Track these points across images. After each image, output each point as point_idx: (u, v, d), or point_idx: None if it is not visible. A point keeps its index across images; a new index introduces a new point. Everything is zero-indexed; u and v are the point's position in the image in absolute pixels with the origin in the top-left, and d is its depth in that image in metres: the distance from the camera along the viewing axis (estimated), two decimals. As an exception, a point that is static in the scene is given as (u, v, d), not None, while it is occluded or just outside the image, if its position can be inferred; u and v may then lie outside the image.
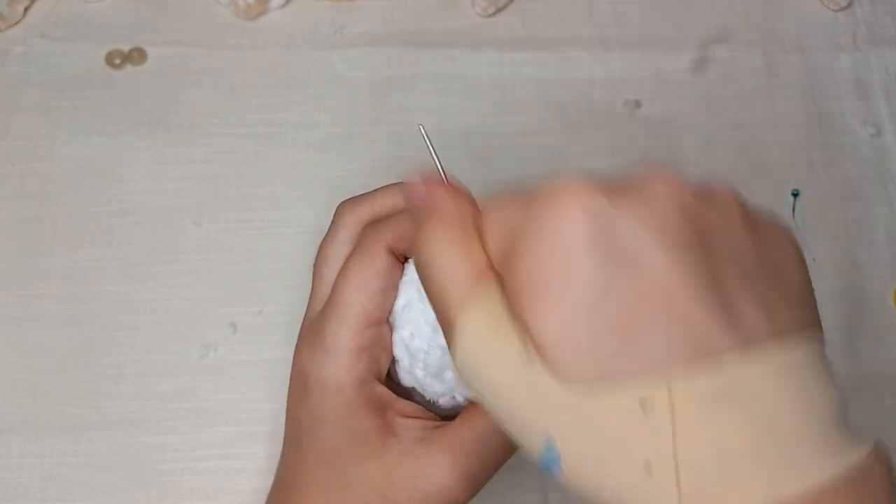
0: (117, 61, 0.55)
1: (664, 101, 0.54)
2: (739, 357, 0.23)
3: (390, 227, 0.33)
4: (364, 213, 0.35)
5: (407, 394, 0.35)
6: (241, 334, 0.48)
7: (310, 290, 0.36)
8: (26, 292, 0.49)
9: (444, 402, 0.35)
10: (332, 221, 0.36)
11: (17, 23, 0.56)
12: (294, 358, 0.35)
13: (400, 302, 0.34)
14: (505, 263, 0.26)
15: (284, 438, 0.36)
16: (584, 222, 0.24)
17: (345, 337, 0.32)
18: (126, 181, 0.51)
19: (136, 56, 0.55)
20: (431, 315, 0.32)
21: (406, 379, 0.35)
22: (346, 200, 0.36)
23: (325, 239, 0.36)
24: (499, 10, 0.56)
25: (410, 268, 0.34)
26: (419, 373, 0.34)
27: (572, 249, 0.24)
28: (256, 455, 0.44)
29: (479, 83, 0.55)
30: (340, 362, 0.32)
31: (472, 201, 0.29)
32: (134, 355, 0.47)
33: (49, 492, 0.44)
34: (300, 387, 0.34)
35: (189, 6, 0.56)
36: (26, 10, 0.56)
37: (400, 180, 0.35)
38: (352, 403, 0.32)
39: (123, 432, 0.46)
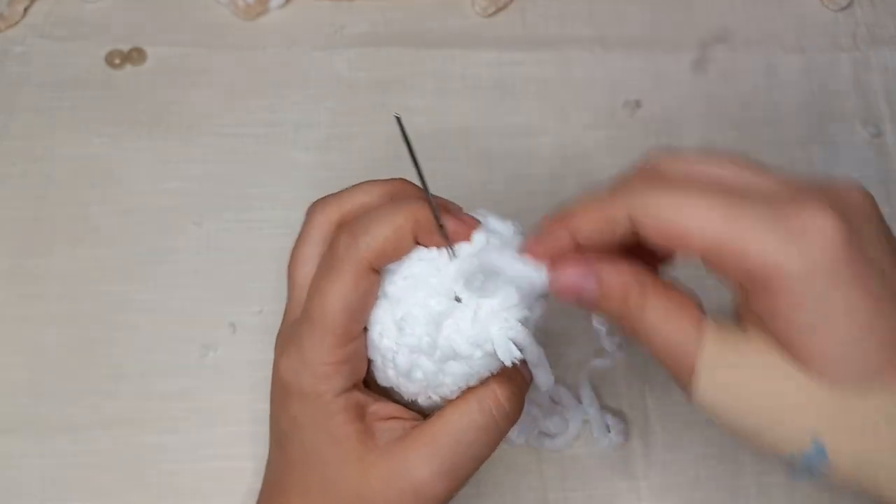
0: (117, 61, 0.55)
1: (664, 101, 0.54)
2: None
3: (369, 244, 0.32)
4: (334, 212, 0.35)
5: (387, 393, 0.35)
6: (241, 334, 0.48)
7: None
8: (26, 292, 0.49)
9: (422, 401, 0.34)
10: (304, 222, 0.36)
11: (16, 23, 0.56)
12: (274, 363, 0.35)
13: None
14: (754, 282, 0.28)
15: (269, 438, 0.36)
16: (844, 240, 0.27)
17: (324, 354, 0.32)
18: (126, 181, 0.51)
19: (135, 56, 0.55)
20: (399, 312, 0.32)
21: (381, 378, 0.35)
22: (317, 200, 0.36)
23: (297, 241, 0.36)
24: (499, 10, 0.57)
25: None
26: (391, 373, 0.34)
27: (836, 271, 0.27)
28: (256, 455, 0.44)
29: (479, 83, 0.55)
30: (319, 375, 0.32)
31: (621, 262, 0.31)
32: (134, 355, 0.47)
33: (49, 491, 0.44)
34: (281, 392, 0.34)
35: (189, 6, 0.56)
36: (26, 10, 0.56)
37: (369, 179, 0.36)
38: (331, 410, 0.33)
39: (123, 432, 0.46)
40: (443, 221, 0.32)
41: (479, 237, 0.33)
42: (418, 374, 0.33)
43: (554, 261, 0.31)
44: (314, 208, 0.36)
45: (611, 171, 0.55)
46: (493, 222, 0.34)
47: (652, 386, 0.47)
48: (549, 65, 0.55)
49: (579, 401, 0.46)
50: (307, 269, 0.34)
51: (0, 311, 0.48)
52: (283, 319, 0.36)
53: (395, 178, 0.36)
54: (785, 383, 0.28)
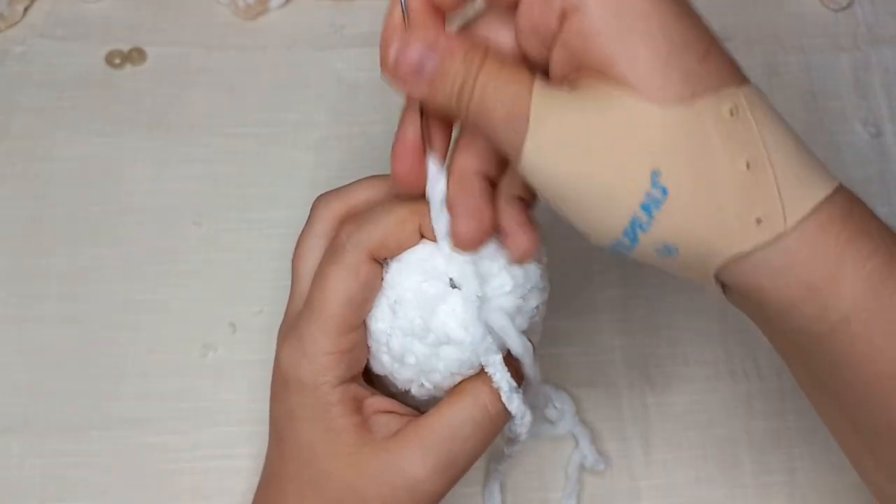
0: (117, 61, 0.55)
1: (664, 100, 0.54)
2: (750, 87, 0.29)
3: (371, 234, 0.32)
4: (339, 207, 0.35)
5: (383, 386, 0.35)
6: (241, 334, 0.48)
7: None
8: (26, 292, 0.49)
9: (415, 390, 0.34)
10: (309, 216, 0.36)
11: (17, 23, 0.56)
12: (276, 354, 0.35)
13: None
14: (568, 23, 0.27)
15: (269, 432, 0.36)
16: None
17: (324, 343, 0.32)
18: (126, 181, 0.51)
19: (135, 56, 0.55)
20: (393, 296, 0.32)
21: (375, 367, 0.35)
22: (322, 195, 0.36)
23: (301, 234, 0.36)
24: (499, 10, 0.56)
25: None
26: (385, 357, 0.34)
27: None
28: (256, 455, 0.44)
29: (479, 83, 0.54)
30: (318, 366, 0.32)
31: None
32: (134, 355, 0.47)
33: (49, 491, 0.44)
34: (280, 383, 0.34)
35: (189, 6, 0.56)
36: (26, 9, 0.56)
37: (375, 174, 0.36)
38: (328, 402, 0.33)
39: (124, 432, 0.46)
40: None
41: None
42: (411, 359, 0.33)
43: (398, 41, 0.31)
44: (318, 202, 0.36)
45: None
46: None
47: (652, 386, 0.47)
48: (549, 65, 0.55)
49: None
50: (310, 261, 0.35)
51: (0, 311, 0.48)
52: (286, 312, 0.36)
53: None
54: (614, 114, 0.27)
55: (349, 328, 0.33)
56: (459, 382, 0.34)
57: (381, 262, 0.33)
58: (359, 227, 0.32)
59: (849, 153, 0.53)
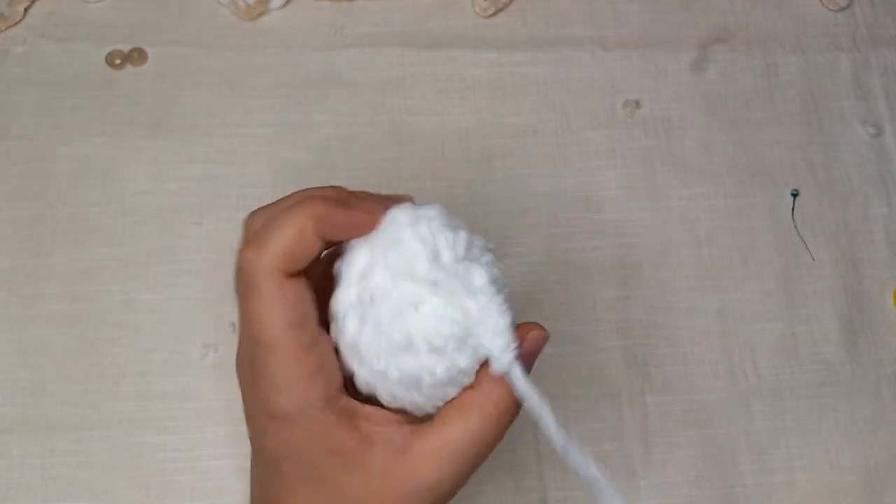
0: (117, 61, 0.55)
1: (664, 101, 0.54)
2: None
3: (275, 255, 0.31)
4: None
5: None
6: (242, 334, 0.48)
7: None
8: (27, 292, 0.49)
9: (409, 408, 0.33)
10: (243, 236, 0.34)
11: (17, 23, 0.56)
12: (243, 395, 0.34)
13: (340, 300, 0.32)
14: None
15: (255, 460, 0.35)
16: None
17: (290, 372, 0.31)
18: (127, 181, 0.51)
19: (136, 56, 0.55)
20: (356, 305, 0.32)
21: (359, 386, 0.33)
22: (257, 210, 0.34)
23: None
24: (499, 11, 0.57)
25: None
26: (363, 372, 0.32)
27: None
28: (256, 455, 0.44)
29: (479, 83, 0.55)
30: (297, 395, 0.31)
31: None
32: (134, 355, 0.47)
33: (50, 491, 0.45)
34: (265, 420, 0.33)
35: (189, 7, 0.56)
36: (27, 10, 0.56)
37: (304, 188, 0.34)
38: (323, 425, 0.32)
39: (124, 432, 0.46)
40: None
41: (398, 213, 0.32)
42: (394, 374, 0.32)
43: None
44: (254, 221, 0.34)
45: (611, 171, 0.55)
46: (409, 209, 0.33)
47: (652, 386, 0.47)
48: (548, 65, 0.55)
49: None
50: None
51: (0, 311, 0.48)
52: (239, 344, 0.34)
53: (310, 199, 0.34)
54: None
55: (306, 349, 0.31)
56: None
57: (297, 274, 0.31)
58: (257, 250, 0.31)
59: (849, 153, 0.53)
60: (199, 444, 0.45)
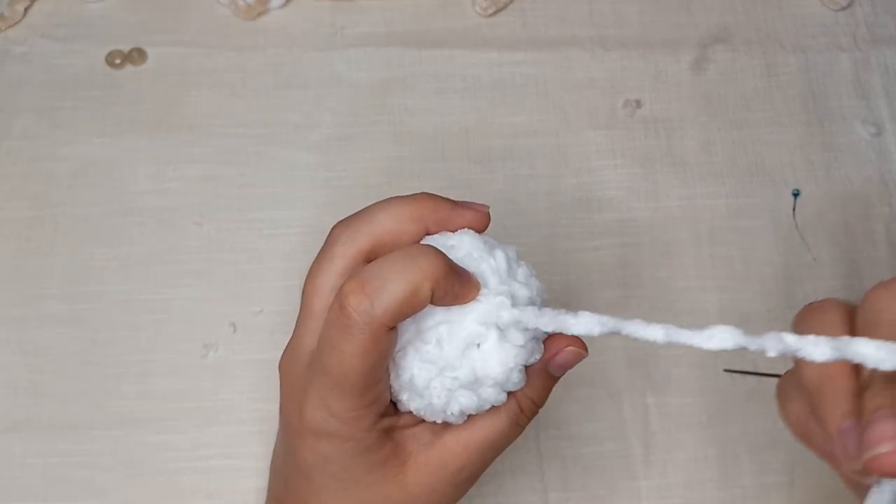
0: (118, 61, 0.55)
1: (664, 101, 0.54)
2: None
3: (385, 308, 0.29)
4: (364, 241, 0.33)
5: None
6: (242, 334, 0.48)
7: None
8: (28, 292, 0.49)
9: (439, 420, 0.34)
10: (325, 245, 0.33)
11: (17, 23, 0.56)
12: (286, 400, 0.34)
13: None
14: None
15: (284, 460, 0.35)
16: None
17: (350, 404, 0.31)
18: (127, 181, 0.51)
19: (136, 56, 0.55)
20: (421, 346, 0.32)
21: (402, 406, 0.34)
22: (341, 223, 0.34)
23: (316, 263, 0.34)
24: (499, 10, 0.57)
25: None
26: (413, 404, 0.33)
27: None
28: (257, 454, 0.44)
29: (479, 83, 0.55)
30: (349, 420, 0.32)
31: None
32: (135, 355, 0.47)
33: (51, 491, 0.45)
34: (305, 432, 0.33)
35: (189, 6, 0.57)
36: (27, 10, 0.56)
37: (397, 195, 0.34)
38: (364, 443, 0.32)
39: (125, 432, 0.46)
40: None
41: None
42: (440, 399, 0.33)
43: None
44: (337, 233, 0.33)
45: (611, 171, 0.55)
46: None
47: (652, 386, 0.47)
48: (549, 65, 0.55)
49: None
50: (326, 298, 0.33)
51: (0, 311, 0.48)
52: (292, 341, 0.34)
53: (419, 194, 0.34)
54: None
55: (372, 387, 0.32)
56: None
57: (395, 327, 0.31)
58: (369, 297, 0.29)
59: (849, 153, 0.53)
60: (201, 443, 0.45)
